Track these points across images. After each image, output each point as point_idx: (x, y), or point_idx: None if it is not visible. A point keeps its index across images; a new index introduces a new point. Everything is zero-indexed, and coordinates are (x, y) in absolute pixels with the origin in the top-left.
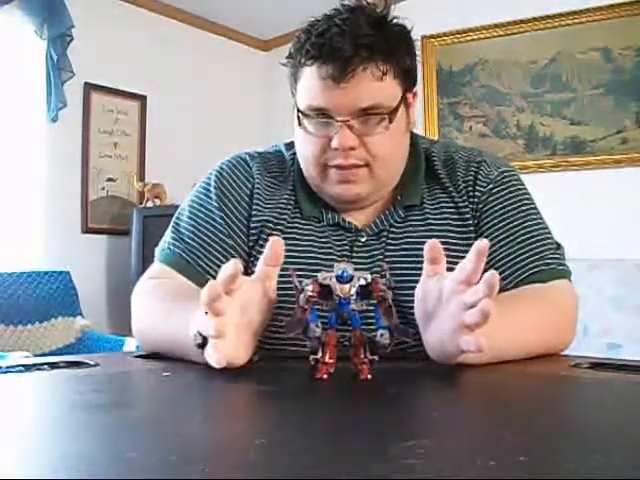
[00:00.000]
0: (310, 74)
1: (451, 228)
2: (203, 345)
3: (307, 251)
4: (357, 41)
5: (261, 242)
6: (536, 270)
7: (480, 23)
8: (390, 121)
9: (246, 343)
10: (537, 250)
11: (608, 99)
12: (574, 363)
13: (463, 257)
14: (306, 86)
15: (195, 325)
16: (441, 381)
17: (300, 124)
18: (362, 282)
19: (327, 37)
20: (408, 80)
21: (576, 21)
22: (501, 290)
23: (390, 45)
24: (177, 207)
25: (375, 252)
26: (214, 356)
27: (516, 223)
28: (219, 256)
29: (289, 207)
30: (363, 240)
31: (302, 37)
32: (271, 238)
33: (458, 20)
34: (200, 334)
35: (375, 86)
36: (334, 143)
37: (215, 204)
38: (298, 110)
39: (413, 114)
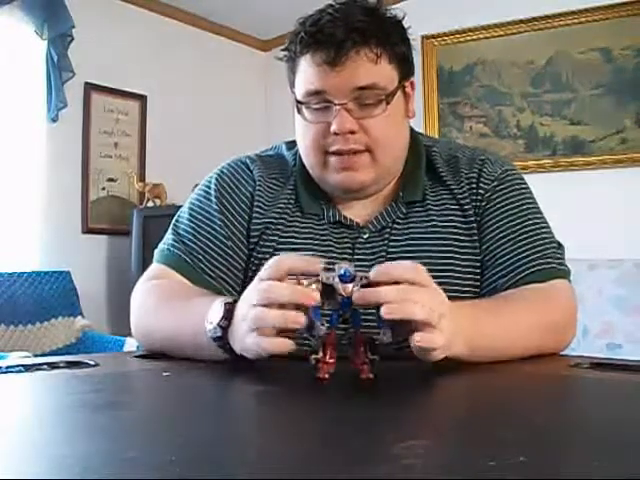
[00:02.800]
0: (306, 62)
1: (454, 224)
2: (220, 338)
3: (306, 249)
4: (349, 26)
5: (262, 243)
6: (536, 269)
7: (480, 23)
8: (387, 103)
9: None
10: (537, 249)
11: (608, 99)
12: (574, 363)
13: (467, 253)
14: (303, 74)
15: (213, 319)
16: (441, 381)
17: (300, 113)
18: (364, 281)
19: (320, 25)
20: (404, 67)
21: (576, 21)
22: (501, 289)
23: (383, 30)
24: (177, 207)
25: (377, 249)
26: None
27: (517, 221)
28: (219, 258)
29: (289, 206)
30: (365, 237)
31: (297, 29)
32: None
33: (458, 20)
34: (221, 326)
35: (370, 67)
36: (333, 127)
37: (215, 207)
38: (297, 101)
39: (412, 104)
